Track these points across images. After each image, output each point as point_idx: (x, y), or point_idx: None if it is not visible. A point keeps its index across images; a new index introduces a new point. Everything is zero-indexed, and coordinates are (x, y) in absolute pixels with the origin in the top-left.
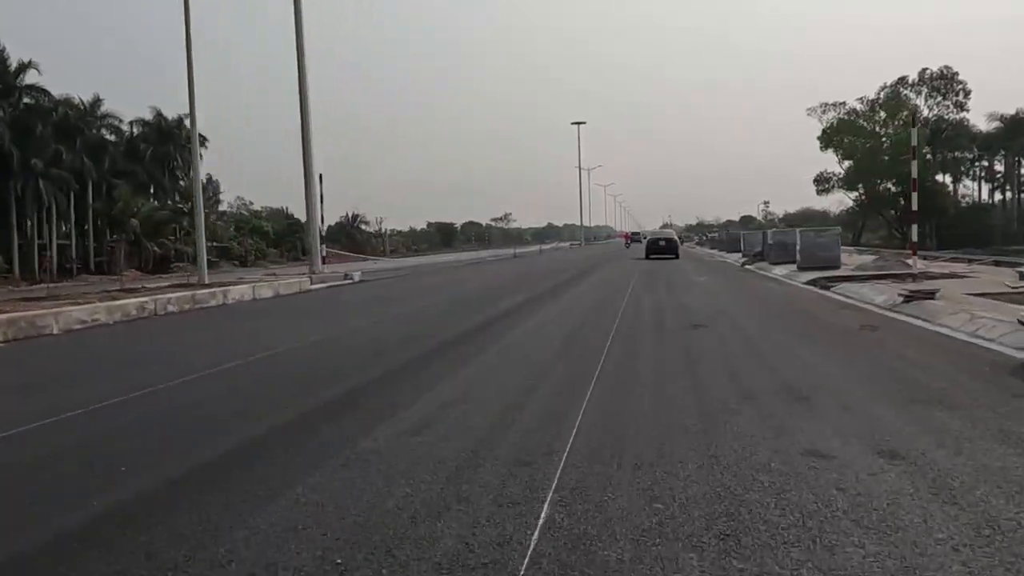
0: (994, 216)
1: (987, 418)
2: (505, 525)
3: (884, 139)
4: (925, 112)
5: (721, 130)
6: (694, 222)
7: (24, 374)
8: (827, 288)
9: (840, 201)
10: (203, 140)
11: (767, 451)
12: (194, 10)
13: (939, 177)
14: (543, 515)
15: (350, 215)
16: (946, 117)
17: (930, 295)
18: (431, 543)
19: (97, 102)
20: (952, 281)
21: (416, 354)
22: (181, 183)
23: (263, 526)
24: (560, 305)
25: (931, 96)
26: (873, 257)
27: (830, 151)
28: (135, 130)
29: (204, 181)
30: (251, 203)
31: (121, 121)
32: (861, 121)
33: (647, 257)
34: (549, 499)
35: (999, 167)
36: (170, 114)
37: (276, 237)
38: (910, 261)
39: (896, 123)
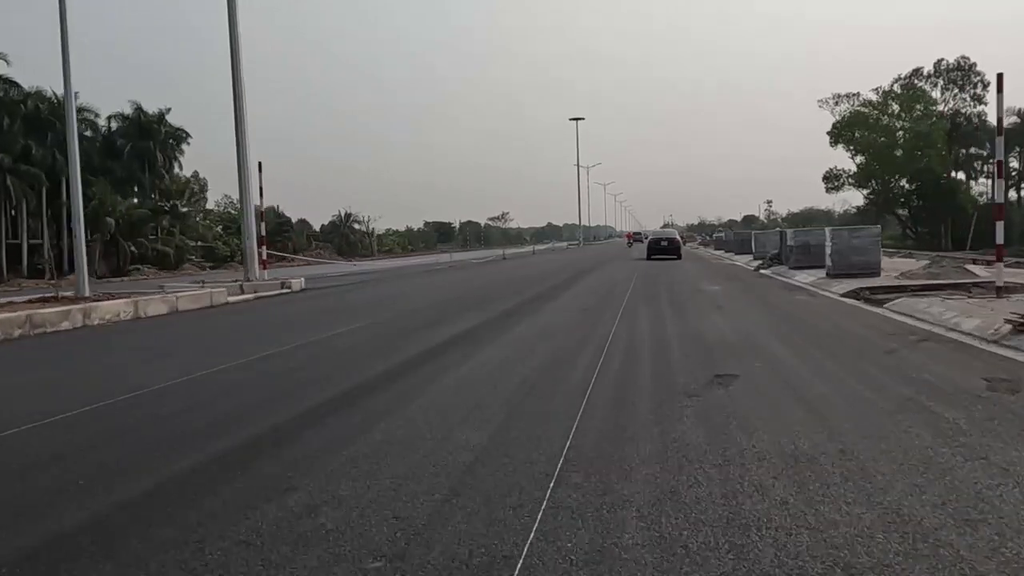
0: (1012, 215)
1: None
2: None
3: (900, 132)
4: (940, 107)
5: (722, 131)
6: (695, 222)
7: None
8: (879, 304)
9: (844, 200)
10: (185, 136)
11: None
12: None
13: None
14: None
15: (343, 214)
16: (963, 111)
17: None
18: None
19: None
20: None
21: (233, 444)
22: (166, 180)
23: None
24: (524, 332)
25: (947, 88)
26: (923, 263)
27: (840, 147)
28: (113, 125)
29: (191, 178)
30: (239, 201)
31: (97, 116)
32: (876, 112)
33: (648, 258)
34: None
35: (1015, 164)
36: (151, 108)
37: (265, 236)
38: (977, 268)
39: (914, 115)
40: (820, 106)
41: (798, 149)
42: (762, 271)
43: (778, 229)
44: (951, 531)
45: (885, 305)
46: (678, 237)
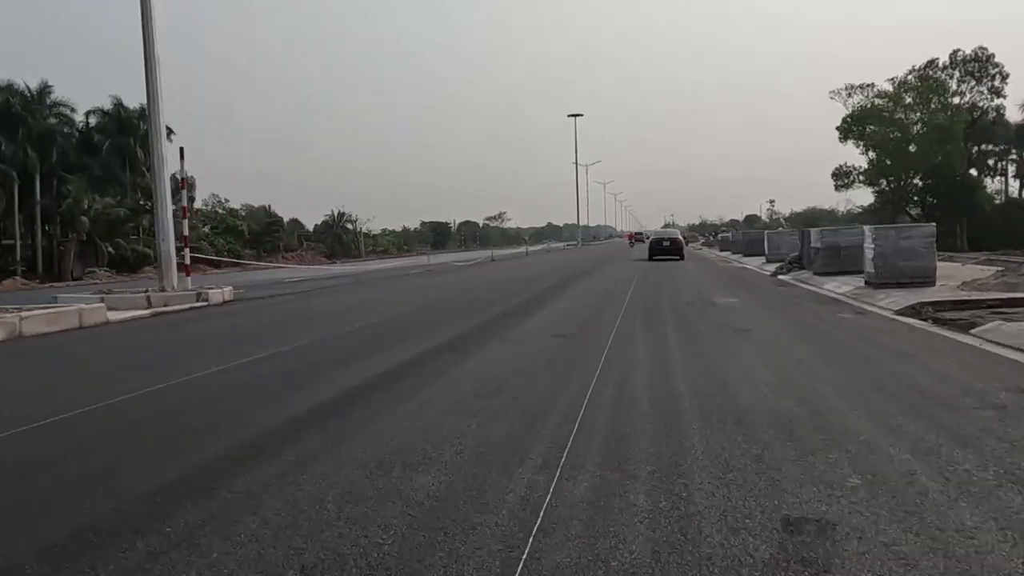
0: None
1: None
2: None
3: (916, 126)
4: (956, 100)
5: (722, 131)
6: (696, 222)
7: None
8: (959, 328)
9: (848, 200)
10: (169, 132)
11: None
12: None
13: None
14: None
15: (336, 214)
16: (979, 104)
17: None
18: None
19: (46, 89)
20: None
21: None
22: (147, 178)
23: None
24: (458, 385)
25: (963, 81)
26: (994, 269)
27: (850, 142)
28: (91, 121)
29: (178, 176)
30: (227, 200)
31: (74, 111)
32: (891, 103)
33: (650, 258)
34: None
35: None
36: (132, 104)
37: (253, 236)
38: None
39: (932, 107)
40: (832, 97)
41: (798, 149)
42: (781, 277)
43: (793, 229)
44: None
45: (973, 331)
46: (680, 237)
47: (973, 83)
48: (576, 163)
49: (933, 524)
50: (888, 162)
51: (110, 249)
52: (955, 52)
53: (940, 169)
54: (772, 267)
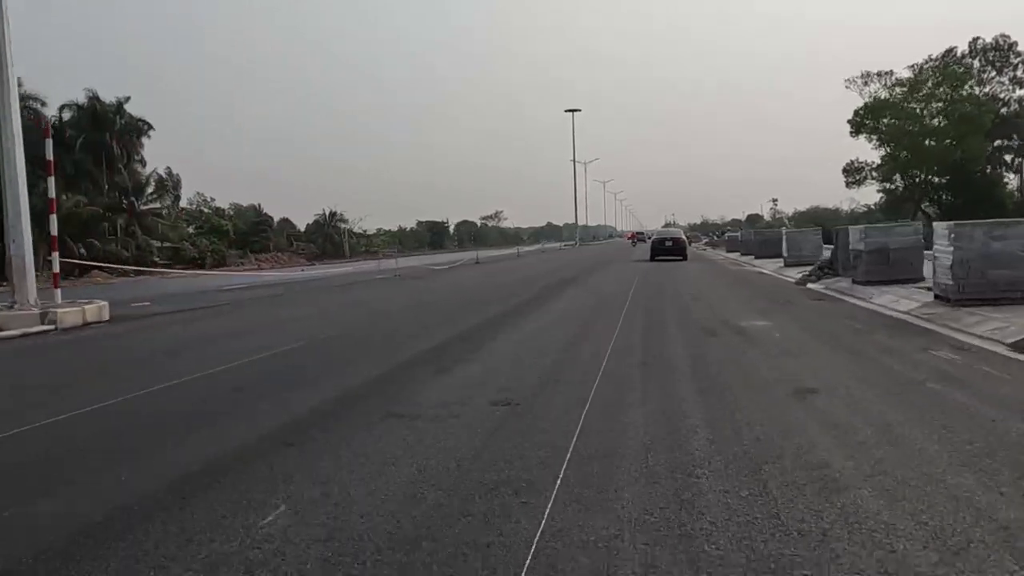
0: None
1: None
2: None
3: (936, 119)
4: (975, 91)
5: (722, 131)
6: (697, 221)
7: None
8: None
9: (852, 199)
10: (146, 127)
11: None
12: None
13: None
14: None
15: (327, 213)
16: (1000, 96)
17: None
18: None
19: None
20: None
21: None
22: (124, 176)
23: None
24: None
25: (983, 71)
26: None
27: (862, 137)
28: (64, 115)
29: (163, 175)
30: (212, 199)
31: (44, 104)
32: (908, 91)
33: (652, 259)
34: None
35: None
36: (108, 98)
37: (240, 236)
38: None
39: (956, 96)
40: (847, 86)
41: (798, 149)
42: (811, 286)
43: (817, 228)
44: None
45: None
46: (683, 237)
47: (994, 73)
48: (574, 160)
49: None
50: (905, 156)
51: (82, 250)
52: (975, 40)
53: (969, 163)
54: (795, 272)
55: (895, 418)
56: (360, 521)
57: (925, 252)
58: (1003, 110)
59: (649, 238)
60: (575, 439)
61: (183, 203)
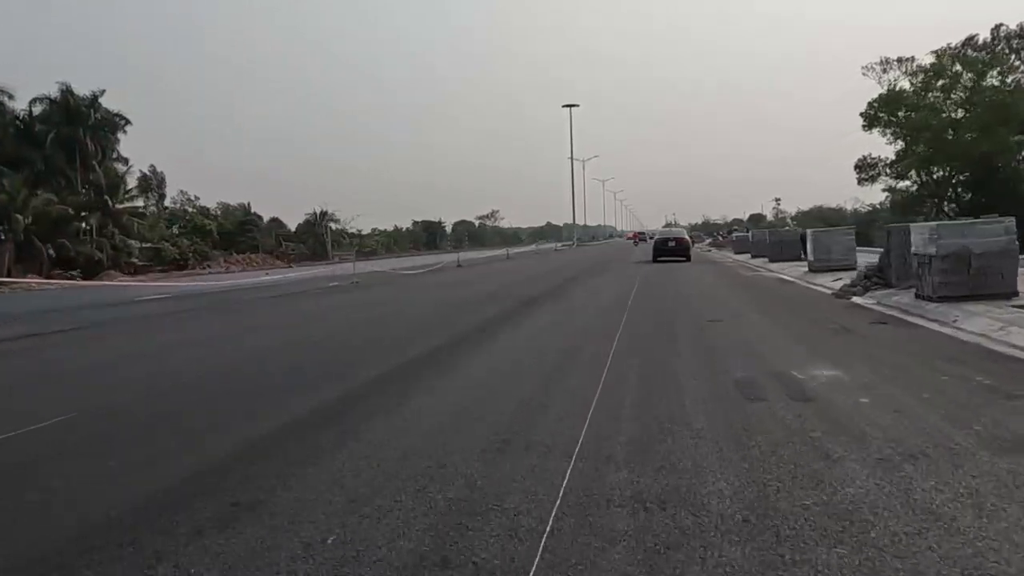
0: None
1: None
2: None
3: (961, 110)
4: (997, 81)
5: (722, 131)
6: (697, 221)
7: None
8: None
9: (856, 198)
10: (123, 122)
11: None
12: None
13: None
14: None
15: (318, 212)
16: None
17: None
18: None
19: None
20: None
21: None
22: (99, 173)
23: None
24: None
25: (1006, 58)
26: None
27: (875, 131)
28: (35, 109)
29: (147, 172)
30: (197, 198)
31: (12, 97)
32: (935, 80)
33: (654, 260)
34: None
35: None
36: (82, 91)
37: (225, 236)
38: None
39: (984, 83)
40: (864, 74)
41: (798, 149)
42: (858, 300)
43: (849, 228)
44: None
45: None
46: (687, 237)
47: (1018, 62)
48: (571, 158)
49: None
50: (923, 150)
51: (51, 251)
52: (997, 27)
53: (986, 159)
54: (825, 280)
55: None
56: None
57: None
58: None
59: (651, 238)
60: None
61: (167, 202)
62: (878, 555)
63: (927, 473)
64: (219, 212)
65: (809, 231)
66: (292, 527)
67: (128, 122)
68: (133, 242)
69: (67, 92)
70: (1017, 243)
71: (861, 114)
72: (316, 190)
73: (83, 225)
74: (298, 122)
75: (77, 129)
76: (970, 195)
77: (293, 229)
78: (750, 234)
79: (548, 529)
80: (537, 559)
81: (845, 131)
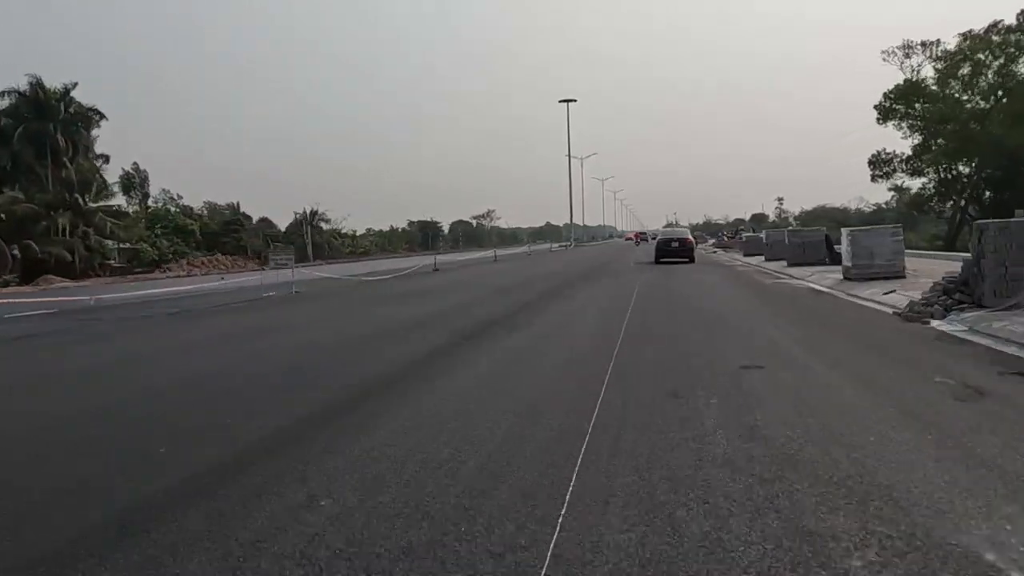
0: None
1: None
2: None
3: (988, 99)
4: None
5: (722, 131)
6: (698, 221)
7: None
8: None
9: (861, 197)
10: (96, 117)
11: None
12: None
13: None
14: None
15: (307, 212)
16: None
17: None
18: None
19: None
20: None
21: None
22: (71, 171)
23: None
24: None
25: None
26: None
27: (890, 125)
28: (1, 103)
29: (130, 171)
30: (179, 197)
31: None
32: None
33: (657, 261)
34: None
35: None
36: (53, 84)
37: (209, 236)
38: None
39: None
40: (884, 60)
41: (798, 149)
42: (936, 324)
43: (895, 226)
44: None
45: None
46: (691, 238)
47: None
48: (569, 155)
49: None
50: (944, 144)
51: (15, 252)
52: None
53: (1017, 153)
54: (874, 292)
55: None
56: None
57: None
58: None
59: (653, 238)
60: None
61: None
62: None
63: None
64: (205, 212)
65: (844, 230)
66: None
67: (103, 117)
68: (109, 243)
69: (37, 85)
70: None
71: (875, 106)
72: (316, 190)
73: (61, 224)
74: (297, 122)
75: (48, 124)
76: (990, 193)
77: (283, 229)
78: (763, 234)
79: None
80: None
81: (845, 131)
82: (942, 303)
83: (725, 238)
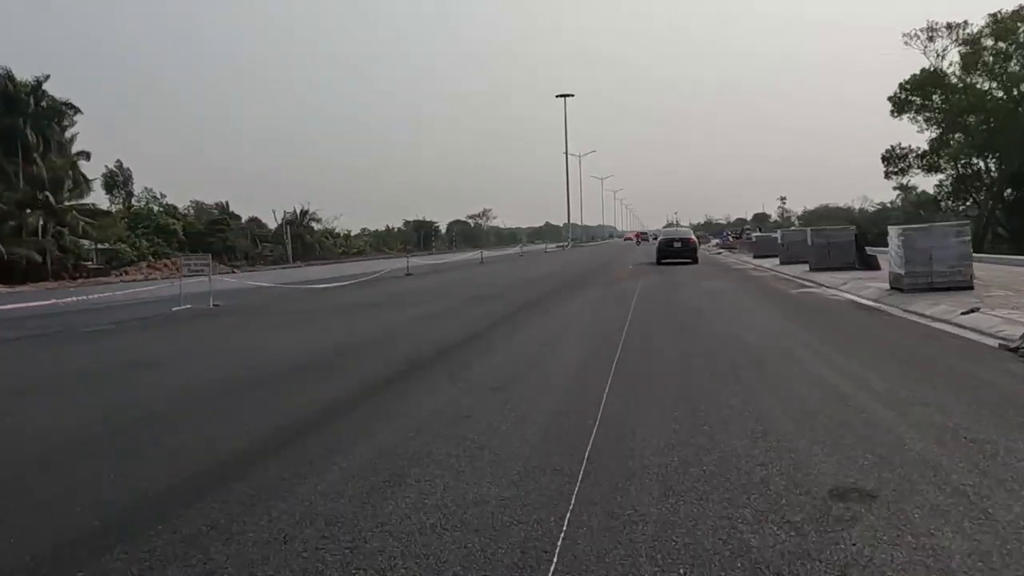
0: None
1: None
2: None
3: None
4: None
5: (722, 131)
6: (701, 221)
7: None
8: None
9: (865, 197)
10: (70, 111)
11: None
12: None
13: None
14: None
15: (298, 211)
16: None
17: None
18: None
19: None
20: None
21: None
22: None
23: None
24: None
25: None
26: None
27: (905, 118)
28: None
29: (113, 169)
30: (163, 196)
31: None
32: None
33: (659, 262)
34: None
35: None
36: (23, 75)
37: (193, 237)
38: None
39: None
40: (907, 43)
41: (798, 149)
42: None
43: (951, 226)
44: None
45: None
46: (694, 238)
47: None
48: (566, 153)
49: None
50: (965, 137)
51: None
52: None
53: None
54: (938, 308)
55: None
56: None
57: None
58: None
59: (654, 238)
60: None
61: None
62: None
63: None
64: (191, 211)
65: (893, 229)
66: None
67: (78, 111)
68: (85, 243)
69: (6, 78)
70: None
71: (889, 98)
72: (316, 190)
73: (31, 223)
74: (297, 122)
75: (17, 119)
76: (1012, 190)
77: (273, 229)
78: (778, 233)
79: None
80: None
81: (844, 131)
82: None
83: (730, 238)
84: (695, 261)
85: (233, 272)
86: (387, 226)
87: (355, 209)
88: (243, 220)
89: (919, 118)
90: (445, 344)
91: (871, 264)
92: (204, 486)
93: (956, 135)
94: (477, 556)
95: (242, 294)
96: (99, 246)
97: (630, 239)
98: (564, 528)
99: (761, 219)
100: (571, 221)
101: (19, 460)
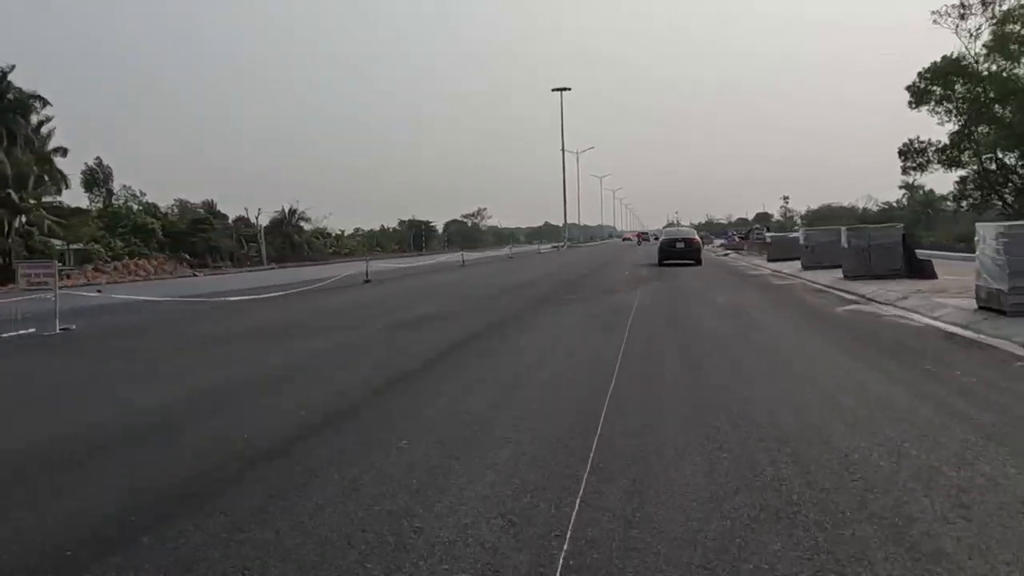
0: None
1: None
2: None
3: None
4: None
5: (722, 131)
6: (702, 220)
7: None
8: None
9: (870, 196)
10: (36, 104)
11: None
12: None
13: None
14: None
15: (287, 210)
16: None
17: None
18: None
19: None
20: None
21: None
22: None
23: None
24: None
25: None
26: None
27: (924, 110)
28: None
29: (93, 165)
30: (143, 194)
31: None
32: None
33: (660, 263)
34: None
35: None
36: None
37: (174, 236)
38: None
39: None
40: (935, 21)
41: (798, 149)
42: None
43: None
44: None
45: None
46: (697, 238)
47: None
48: (563, 149)
49: None
50: (992, 129)
51: None
52: None
53: None
54: None
55: None
56: None
57: None
58: None
59: (655, 238)
60: None
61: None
62: None
63: None
64: (175, 210)
65: (989, 227)
66: None
67: (46, 103)
68: (56, 243)
69: None
70: None
71: (907, 88)
72: (316, 190)
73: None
74: (297, 122)
75: None
76: None
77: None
78: (801, 233)
79: None
80: None
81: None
82: None
83: (736, 238)
84: (699, 263)
85: (195, 275)
86: (382, 226)
87: (355, 209)
88: (230, 219)
89: (939, 109)
90: (348, 401)
91: (924, 271)
92: None
93: (980, 127)
94: None
95: (124, 311)
96: (72, 246)
97: (629, 239)
98: None
99: (763, 219)
100: (569, 221)
101: None
